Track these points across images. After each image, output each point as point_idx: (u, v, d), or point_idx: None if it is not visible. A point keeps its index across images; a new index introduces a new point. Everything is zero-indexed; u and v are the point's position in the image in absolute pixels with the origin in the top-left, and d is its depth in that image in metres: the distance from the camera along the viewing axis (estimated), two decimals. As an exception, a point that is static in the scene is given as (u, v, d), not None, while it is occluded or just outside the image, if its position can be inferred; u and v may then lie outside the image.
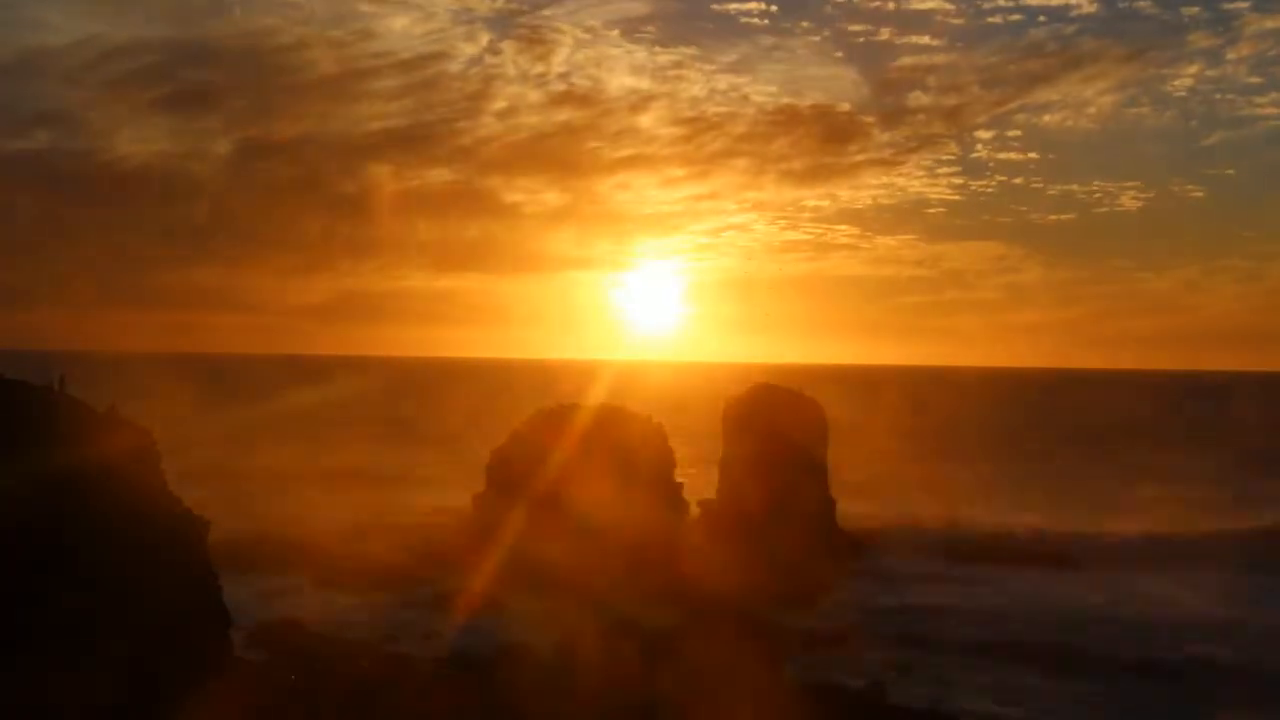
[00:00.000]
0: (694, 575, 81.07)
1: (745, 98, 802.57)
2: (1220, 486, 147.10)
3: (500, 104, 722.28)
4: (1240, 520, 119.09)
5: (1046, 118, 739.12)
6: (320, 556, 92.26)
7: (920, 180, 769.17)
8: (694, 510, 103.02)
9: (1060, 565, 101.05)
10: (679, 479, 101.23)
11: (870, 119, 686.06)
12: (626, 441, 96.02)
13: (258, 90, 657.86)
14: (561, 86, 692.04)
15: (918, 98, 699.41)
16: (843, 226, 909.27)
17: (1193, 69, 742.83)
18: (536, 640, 59.09)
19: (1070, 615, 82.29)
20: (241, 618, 52.50)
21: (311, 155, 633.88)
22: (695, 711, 48.10)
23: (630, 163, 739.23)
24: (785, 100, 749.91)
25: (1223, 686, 65.06)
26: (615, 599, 74.21)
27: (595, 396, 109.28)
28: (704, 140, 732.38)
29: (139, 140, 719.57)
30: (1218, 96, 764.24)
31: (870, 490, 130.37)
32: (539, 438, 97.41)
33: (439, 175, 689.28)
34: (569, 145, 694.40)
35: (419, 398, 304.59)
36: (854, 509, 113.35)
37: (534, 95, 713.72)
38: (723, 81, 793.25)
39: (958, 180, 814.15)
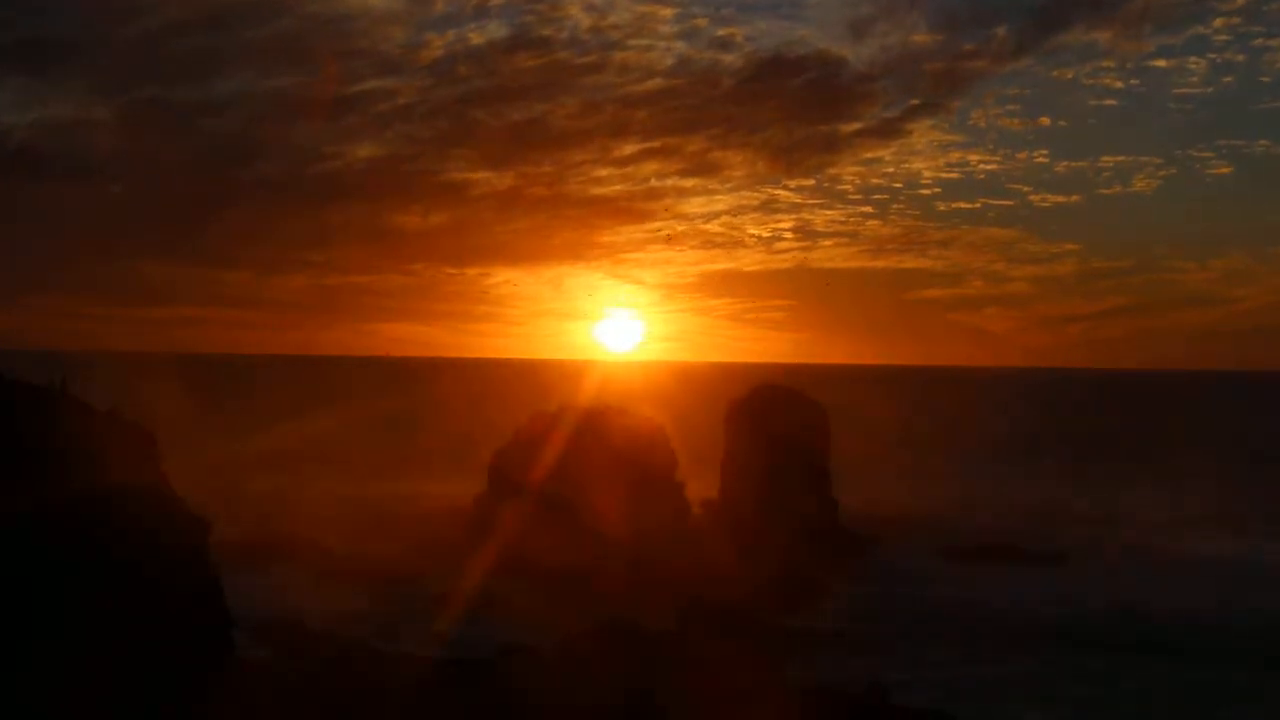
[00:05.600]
0: (694, 575, 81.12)
1: (724, 43, 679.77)
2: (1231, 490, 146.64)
3: (436, 53, 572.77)
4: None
5: (1055, 72, 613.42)
6: (321, 556, 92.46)
7: (918, 158, 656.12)
8: (695, 511, 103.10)
9: (1062, 564, 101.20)
10: (680, 479, 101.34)
11: (862, 69, 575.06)
12: (629, 442, 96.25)
13: (113, 39, 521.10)
14: (505, 30, 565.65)
15: (916, 40, 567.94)
16: (833, 211, 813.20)
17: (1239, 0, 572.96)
18: (537, 640, 59.07)
19: (1072, 613, 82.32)
20: (243, 617, 52.51)
21: (209, 126, 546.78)
22: (694, 712, 48.16)
23: (591, 134, 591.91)
24: (768, 52, 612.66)
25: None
26: (616, 599, 74.28)
27: (595, 397, 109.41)
28: (676, 105, 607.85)
29: None
30: (1258, 42, 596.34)
31: (872, 490, 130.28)
32: (541, 438, 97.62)
33: (363, 151, 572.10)
34: (519, 112, 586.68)
35: (413, 396, 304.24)
36: (856, 509, 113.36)
37: (475, 38, 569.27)
38: (700, 25, 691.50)
39: (956, 155, 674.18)
